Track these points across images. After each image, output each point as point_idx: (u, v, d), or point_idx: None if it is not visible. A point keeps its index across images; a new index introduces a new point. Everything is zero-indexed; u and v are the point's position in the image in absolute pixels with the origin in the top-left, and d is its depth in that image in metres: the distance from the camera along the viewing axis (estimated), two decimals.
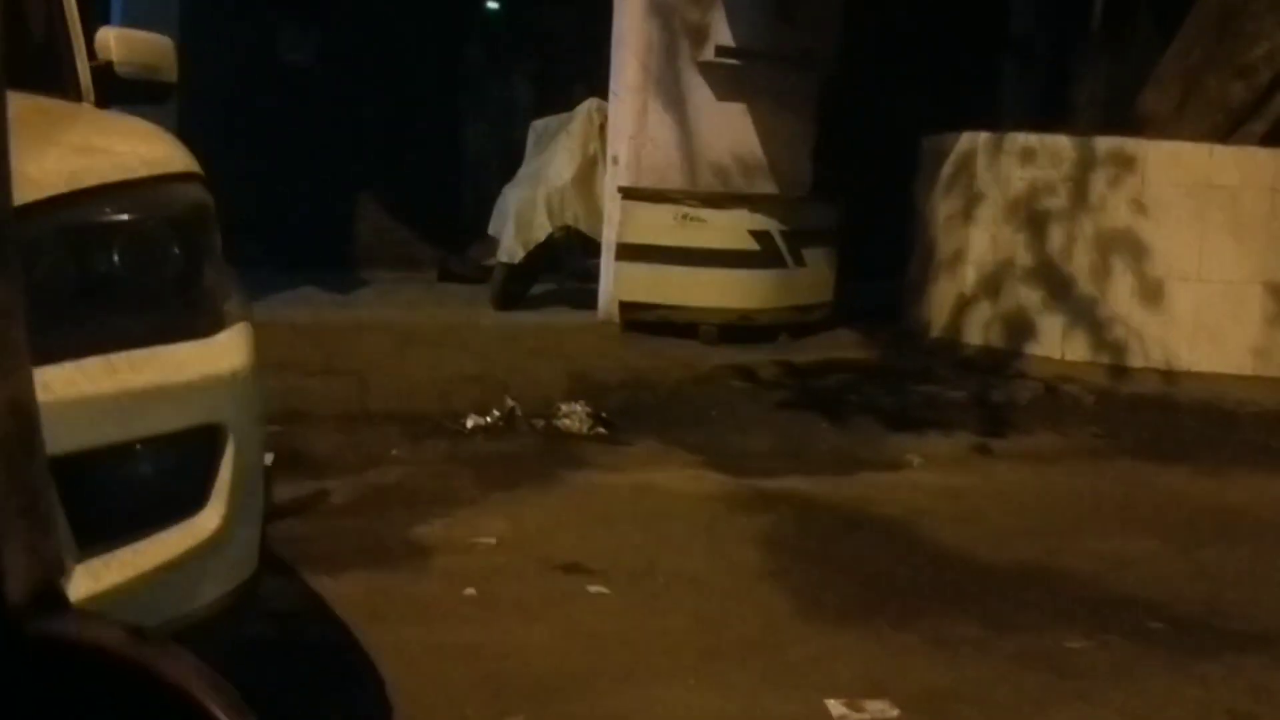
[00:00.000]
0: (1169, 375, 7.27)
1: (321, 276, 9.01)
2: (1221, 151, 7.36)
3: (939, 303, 8.18)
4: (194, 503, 2.33)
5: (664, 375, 7.06)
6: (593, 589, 4.02)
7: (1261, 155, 7.38)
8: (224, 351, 2.40)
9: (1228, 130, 7.42)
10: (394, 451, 5.64)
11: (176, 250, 2.38)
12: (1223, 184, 7.29)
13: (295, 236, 9.51)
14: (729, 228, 7.87)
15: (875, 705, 3.25)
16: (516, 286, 8.60)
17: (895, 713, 3.22)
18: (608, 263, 8.17)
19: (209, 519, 2.34)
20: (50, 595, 0.71)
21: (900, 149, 8.45)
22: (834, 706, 3.24)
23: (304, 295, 8.51)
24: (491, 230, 8.66)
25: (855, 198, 8.49)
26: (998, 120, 8.35)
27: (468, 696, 3.24)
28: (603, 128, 8.23)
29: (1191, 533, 4.96)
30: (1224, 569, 4.50)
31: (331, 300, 8.64)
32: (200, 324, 2.38)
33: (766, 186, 8.22)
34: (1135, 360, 7.42)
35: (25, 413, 0.73)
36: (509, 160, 9.20)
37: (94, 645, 0.68)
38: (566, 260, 9.19)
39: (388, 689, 3.22)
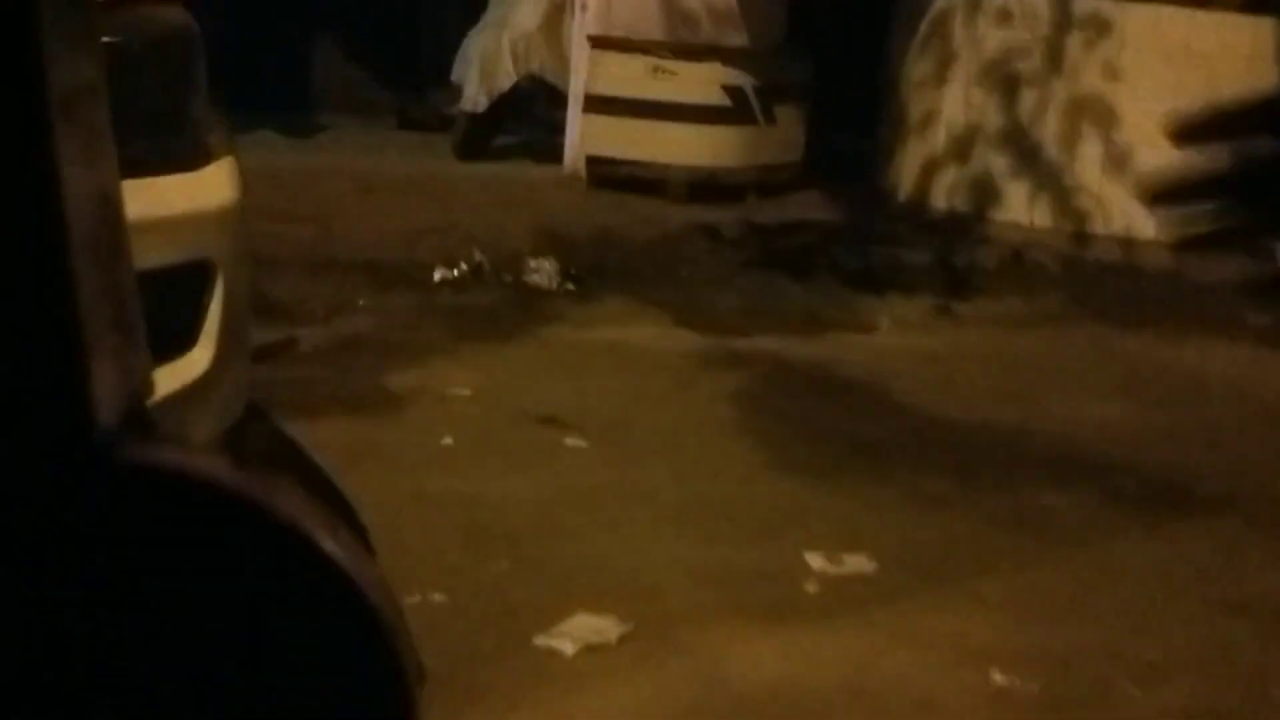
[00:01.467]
0: (1133, 243, 7.29)
1: (277, 120, 8.75)
2: (1202, 18, 7.27)
3: (908, 165, 8.11)
4: (184, 341, 2.27)
5: (632, 232, 6.98)
6: (570, 441, 4.02)
7: (1241, 23, 7.30)
8: (212, 185, 2.31)
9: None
10: (361, 301, 5.55)
11: (160, 76, 2.26)
12: (1199, 51, 7.21)
13: (248, 78, 9.17)
14: (701, 81, 7.71)
15: (853, 559, 3.30)
16: (480, 137, 8.40)
17: (873, 566, 3.28)
18: (574, 115, 7.99)
19: (199, 358, 2.28)
20: (141, 420, 0.64)
21: (879, 3, 8.26)
22: (813, 559, 3.28)
23: (260, 139, 8.26)
24: (454, 77, 8.42)
25: (829, 52, 8.32)
26: None
27: (450, 543, 3.25)
28: None
29: (1157, 396, 5.03)
30: (1191, 432, 4.58)
31: (289, 145, 8.40)
32: (187, 156, 2.28)
33: (739, 38, 8.02)
34: (1100, 227, 7.43)
35: (114, 207, 0.66)
36: (473, 2, 8.89)
37: (197, 476, 0.59)
38: (532, 110, 8.97)
39: (369, 535, 3.21)
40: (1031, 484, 3.89)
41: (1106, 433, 4.47)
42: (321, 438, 3.78)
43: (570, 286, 6.08)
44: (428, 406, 4.23)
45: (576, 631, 2.84)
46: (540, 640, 2.82)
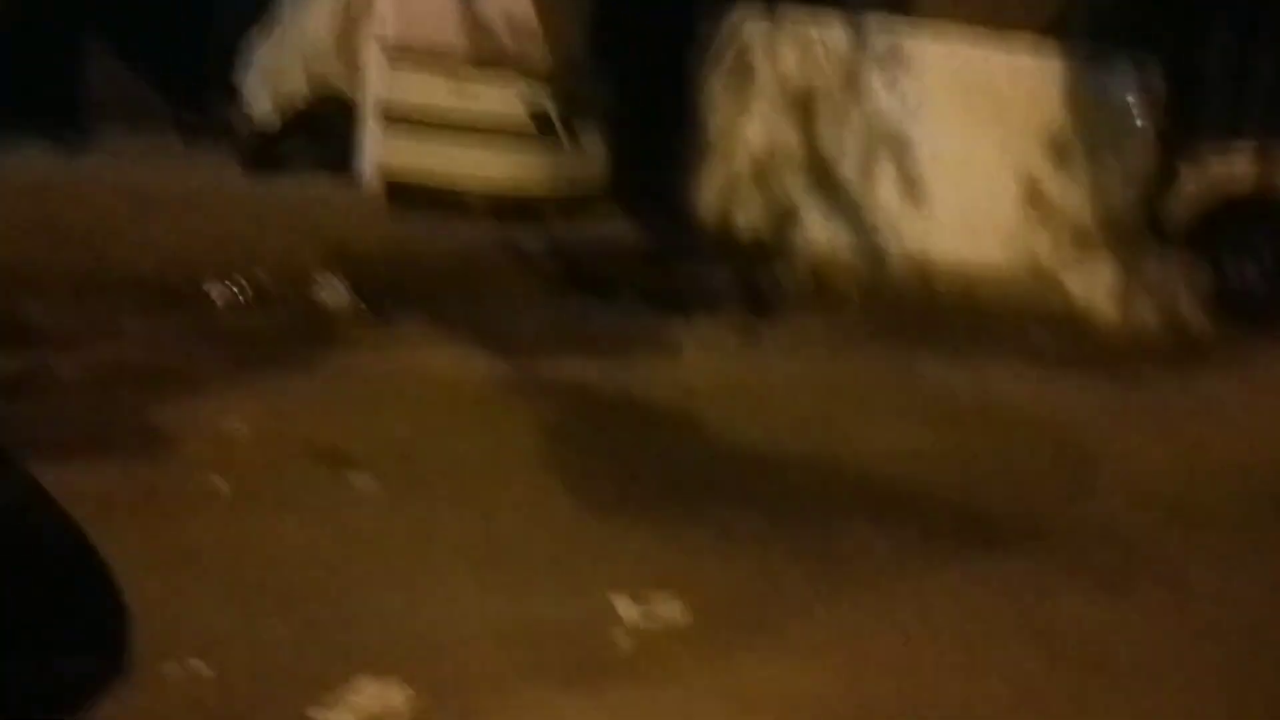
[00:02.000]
0: (928, 265, 7.39)
1: (45, 131, 8.09)
2: (989, 47, 7.45)
3: (710, 187, 8.05)
4: None
5: (431, 252, 6.68)
6: (359, 482, 3.72)
7: (1026, 51, 7.51)
8: None
9: (997, 21, 7.50)
10: (129, 324, 5.09)
11: None
12: (990, 78, 7.38)
13: (12, 85, 8.48)
14: (504, 98, 7.47)
15: (667, 607, 3.11)
16: (269, 150, 7.94)
17: (688, 615, 3.10)
18: (371, 130, 7.64)
19: None
20: None
21: (681, 24, 8.19)
22: (624, 609, 3.08)
23: (25, 151, 7.61)
24: (242, 86, 7.95)
25: (632, 73, 8.21)
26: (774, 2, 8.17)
27: (218, 605, 2.91)
28: None
29: (958, 424, 5.04)
30: (993, 461, 4.58)
31: (58, 158, 7.77)
32: None
33: (540, 55, 7.82)
34: (897, 250, 7.52)
35: None
36: (262, 6, 8.42)
37: None
38: (325, 124, 8.54)
39: (125, 597, 2.86)
40: (843, 519, 3.80)
41: (913, 463, 4.43)
42: (73, 483, 3.37)
43: (363, 309, 5.75)
44: (199, 444, 3.86)
45: (360, 702, 2.57)
46: (316, 714, 2.53)
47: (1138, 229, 8.17)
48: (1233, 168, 8.73)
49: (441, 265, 6.56)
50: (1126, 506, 4.22)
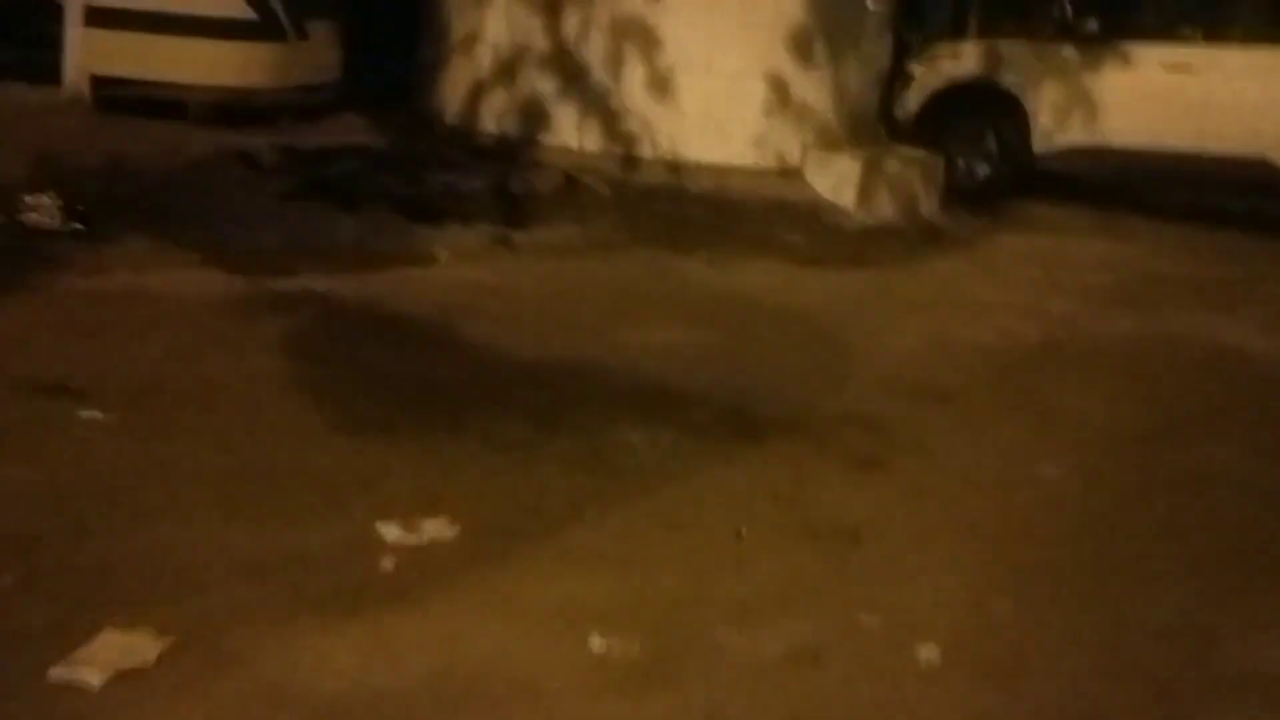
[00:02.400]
0: (679, 166, 7.38)
1: None
2: None
3: (454, 88, 7.78)
4: None
5: (150, 162, 6.17)
6: (86, 414, 3.39)
7: None
8: None
9: None
10: None
11: None
12: None
13: None
14: None
15: (432, 524, 2.98)
16: None
17: (455, 530, 2.97)
18: (74, 29, 6.97)
19: None
20: None
21: None
22: (387, 530, 2.93)
23: None
24: None
25: None
26: None
27: None
28: None
29: (714, 322, 5.06)
30: (750, 354, 4.63)
31: None
32: None
33: None
34: (647, 150, 7.46)
35: None
36: None
37: None
38: (23, 23, 7.73)
39: None
40: (609, 421, 3.74)
41: (675, 360, 4.42)
42: None
43: (77, 226, 5.26)
44: None
45: (104, 655, 2.34)
46: (58, 672, 2.29)
47: (877, 126, 8.41)
48: (960, 64, 9.08)
49: (163, 176, 6.07)
50: (878, 391, 4.34)
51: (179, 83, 6.92)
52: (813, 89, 7.71)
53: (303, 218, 5.87)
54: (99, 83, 6.89)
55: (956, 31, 10.45)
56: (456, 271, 5.41)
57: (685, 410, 3.89)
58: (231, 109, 7.04)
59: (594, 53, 7.42)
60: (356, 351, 4.20)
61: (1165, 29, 8.61)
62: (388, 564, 2.79)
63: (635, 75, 7.41)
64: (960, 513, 3.41)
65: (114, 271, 4.78)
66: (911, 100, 8.98)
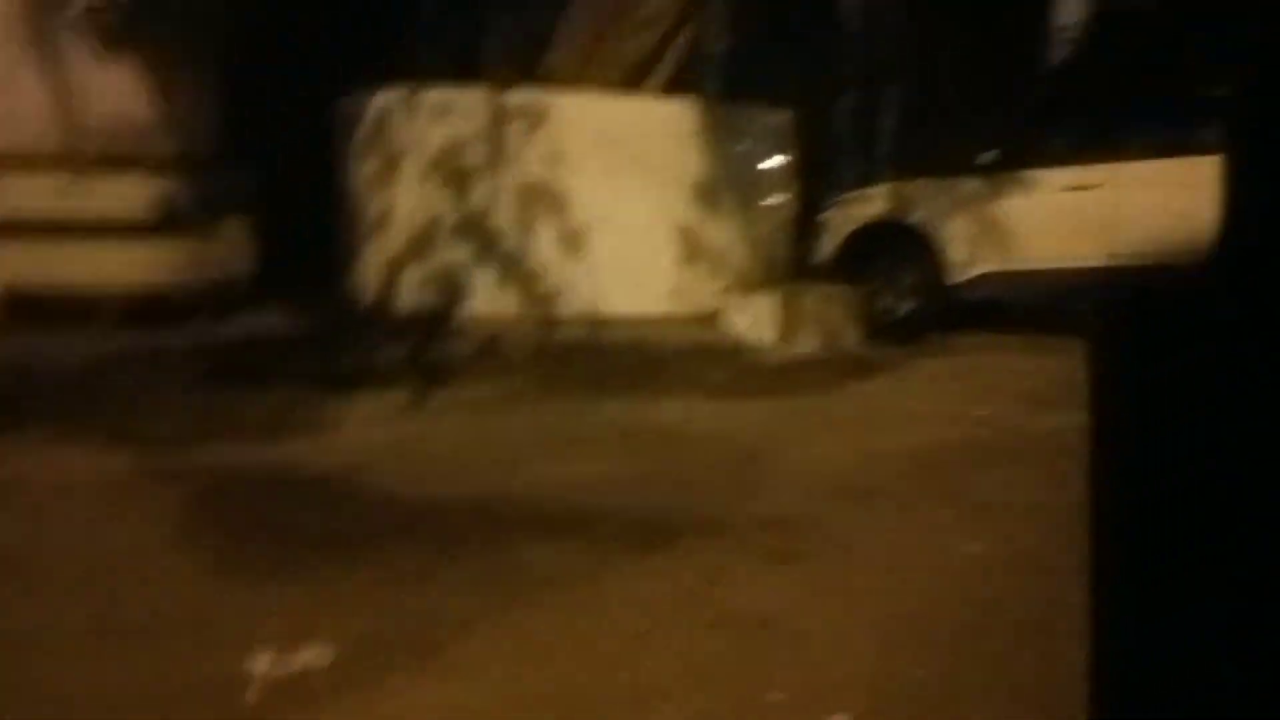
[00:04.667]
0: (595, 321, 7.39)
1: None
2: (627, 101, 7.62)
3: (369, 268, 7.82)
4: None
5: (57, 364, 6.09)
6: None
7: (664, 105, 7.73)
8: None
9: (630, 83, 7.69)
10: None
11: None
12: (630, 132, 7.54)
13: None
14: (126, 195, 7.00)
15: (309, 652, 2.79)
16: None
17: (330, 656, 2.78)
18: None
19: None
20: None
21: (320, 109, 7.96)
22: (260, 660, 2.73)
23: None
24: None
25: (277, 163, 7.89)
26: (413, 77, 8.07)
27: None
28: None
29: (630, 452, 4.95)
30: (667, 476, 4.51)
31: None
32: None
33: (166, 148, 7.41)
34: (564, 308, 7.49)
35: None
36: None
37: None
38: None
39: None
40: (512, 543, 3.58)
41: (586, 488, 4.28)
42: None
43: None
44: None
45: None
46: None
47: (791, 266, 8.52)
48: (869, 206, 9.28)
49: (71, 374, 5.98)
50: (797, 494, 4.21)
51: (88, 287, 6.91)
52: (723, 237, 7.83)
53: (209, 400, 5.77)
54: (5, 293, 6.85)
55: (865, 174, 10.74)
56: (366, 433, 5.29)
57: (593, 527, 3.74)
58: (143, 309, 7.01)
59: (505, 219, 7.52)
60: (252, 509, 4.04)
61: (1062, 152, 8.87)
62: (251, 696, 2.59)
63: (547, 236, 7.50)
64: (880, 593, 3.26)
65: (10, 458, 4.63)
66: (827, 245, 9.12)
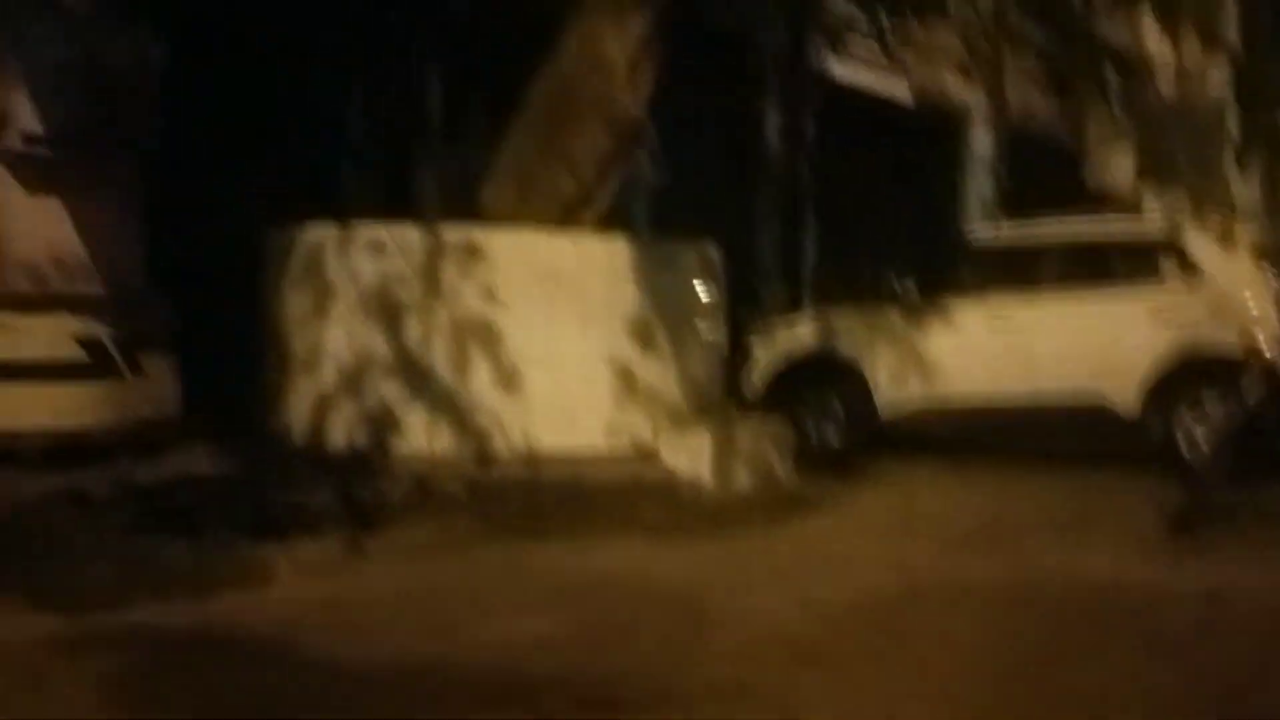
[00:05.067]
0: (532, 458, 7.34)
1: None
2: (561, 239, 7.69)
3: (299, 405, 7.70)
4: None
5: None
6: None
7: (597, 242, 7.81)
8: None
9: (564, 219, 7.77)
10: None
11: None
12: (565, 270, 7.59)
13: None
14: (48, 335, 6.86)
15: None
16: None
17: None
18: None
19: None
20: None
21: (247, 243, 7.91)
22: None
23: None
24: None
25: (200, 298, 7.79)
26: (342, 214, 8.07)
27: None
28: None
29: (572, 606, 4.89)
30: (610, 640, 4.43)
31: None
32: None
33: (92, 286, 7.30)
34: (500, 446, 7.44)
35: None
36: None
37: None
38: None
39: None
40: (460, 717, 3.48)
41: (529, 651, 4.21)
42: None
43: None
44: None
45: None
46: None
47: (722, 400, 8.57)
48: (797, 337, 9.42)
49: None
50: (743, 658, 4.17)
51: (7, 429, 6.71)
52: (657, 372, 7.86)
53: (136, 550, 5.58)
54: None
55: (790, 306, 10.91)
56: (300, 586, 5.16)
57: (538, 698, 3.66)
58: (65, 451, 6.82)
59: (438, 355, 7.48)
60: (182, 679, 3.90)
61: (983, 285, 9.09)
62: None
63: (481, 373, 7.47)
64: None
65: None
66: (756, 376, 9.21)
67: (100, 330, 7.05)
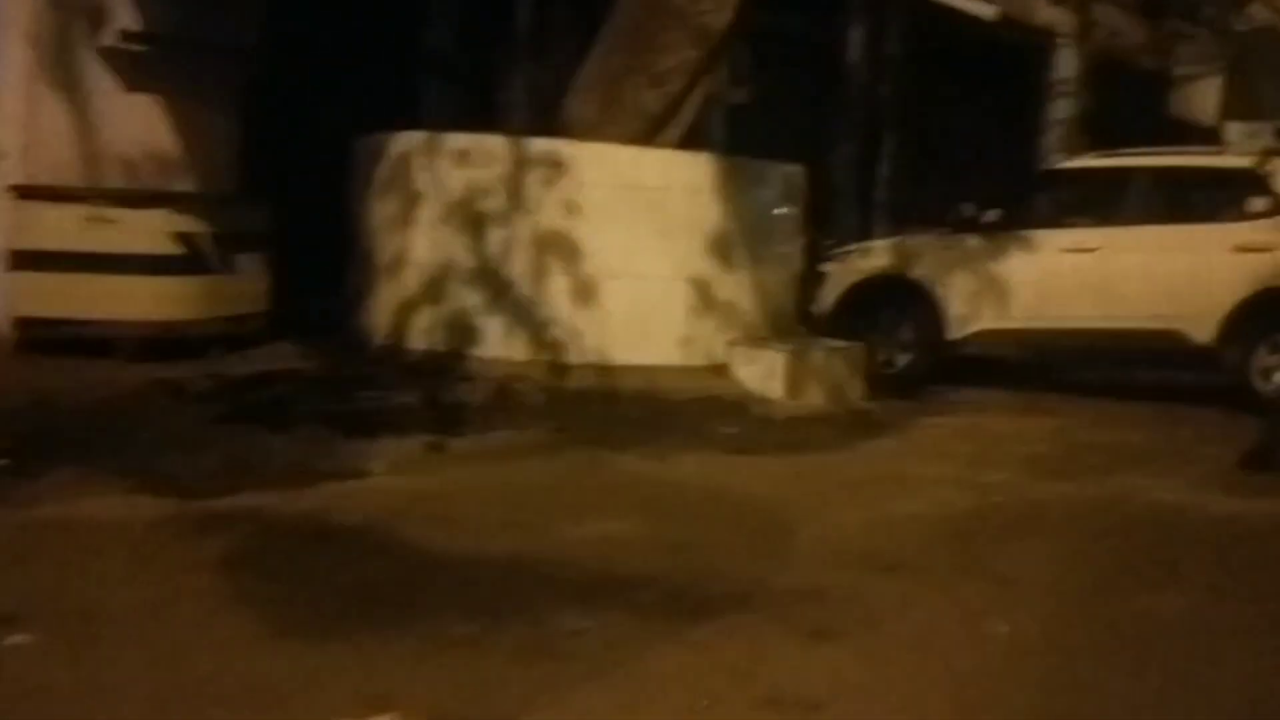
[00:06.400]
0: (607, 369, 7.48)
1: None
2: (646, 154, 7.74)
3: (382, 309, 7.89)
4: None
5: (79, 397, 6.14)
6: (12, 640, 3.26)
7: (681, 158, 7.86)
8: None
9: (648, 135, 7.81)
10: None
11: None
12: (648, 185, 7.66)
13: None
14: (146, 229, 7.08)
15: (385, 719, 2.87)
16: None
17: None
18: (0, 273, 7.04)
19: None
20: None
21: (337, 152, 8.05)
22: None
23: None
24: None
25: (291, 202, 7.97)
26: (430, 125, 8.17)
27: None
28: None
29: (654, 511, 5.06)
30: (693, 541, 4.60)
31: None
32: None
33: (187, 184, 7.50)
34: (575, 357, 7.58)
35: None
36: None
37: None
38: None
39: None
40: (555, 611, 3.67)
41: (617, 549, 4.38)
42: None
43: (4, 463, 5.16)
44: None
45: None
46: None
47: (798, 320, 8.65)
48: (871, 260, 9.46)
49: (91, 410, 6.03)
50: (823, 565, 4.32)
51: (106, 320, 6.96)
52: (733, 289, 7.94)
53: (233, 441, 5.82)
54: (24, 324, 6.89)
55: (867, 229, 10.91)
56: (391, 481, 5.37)
57: (632, 594, 3.84)
58: (160, 343, 7.07)
59: (518, 266, 7.61)
60: (293, 562, 4.12)
61: (1063, 214, 9.08)
62: None
63: (559, 285, 7.59)
64: (916, 675, 3.37)
65: (42, 503, 4.68)
66: (828, 297, 9.28)
67: (195, 226, 7.25)
